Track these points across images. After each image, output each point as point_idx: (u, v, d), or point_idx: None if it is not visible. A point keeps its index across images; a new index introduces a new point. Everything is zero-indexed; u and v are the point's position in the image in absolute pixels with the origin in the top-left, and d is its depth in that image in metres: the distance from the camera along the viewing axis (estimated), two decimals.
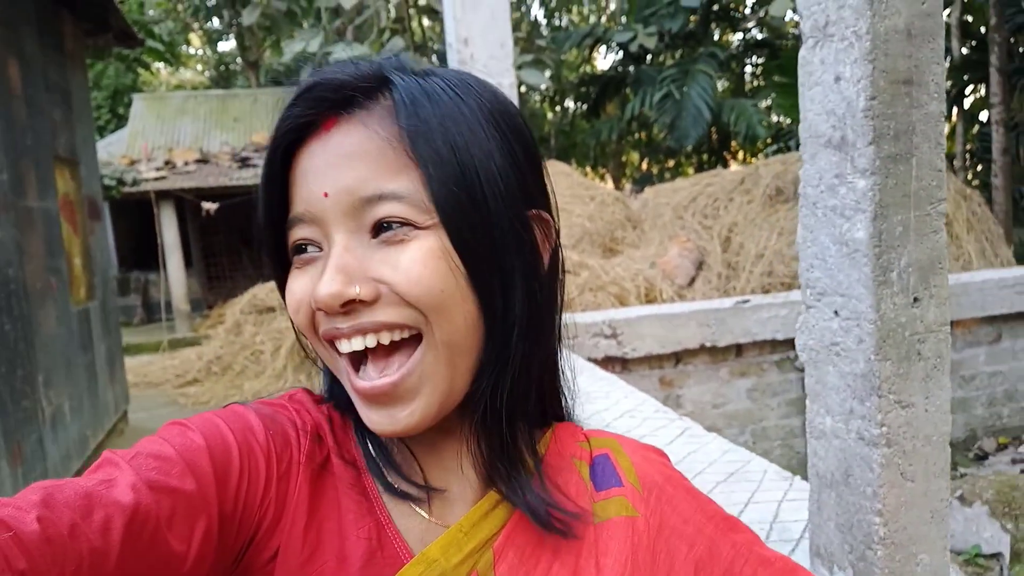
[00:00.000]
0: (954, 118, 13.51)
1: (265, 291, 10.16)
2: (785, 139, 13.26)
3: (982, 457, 4.55)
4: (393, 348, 0.59)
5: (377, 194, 0.57)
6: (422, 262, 0.57)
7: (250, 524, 0.58)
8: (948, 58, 12.84)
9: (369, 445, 0.64)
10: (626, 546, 0.64)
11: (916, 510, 1.18)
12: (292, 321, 0.64)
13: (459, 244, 0.58)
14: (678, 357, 4.55)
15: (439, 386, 0.59)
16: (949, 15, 11.92)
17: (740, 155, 16.99)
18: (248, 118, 16.27)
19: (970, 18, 12.68)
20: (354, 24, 13.23)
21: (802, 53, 1.24)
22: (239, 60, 22.87)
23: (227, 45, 24.37)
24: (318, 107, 0.59)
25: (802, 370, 1.35)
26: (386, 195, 0.57)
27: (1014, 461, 4.16)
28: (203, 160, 14.64)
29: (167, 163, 14.30)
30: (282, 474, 0.60)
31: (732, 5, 16.46)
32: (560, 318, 0.68)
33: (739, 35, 17.19)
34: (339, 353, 0.60)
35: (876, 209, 1.13)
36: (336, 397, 0.67)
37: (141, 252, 15.86)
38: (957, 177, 11.20)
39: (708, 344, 4.50)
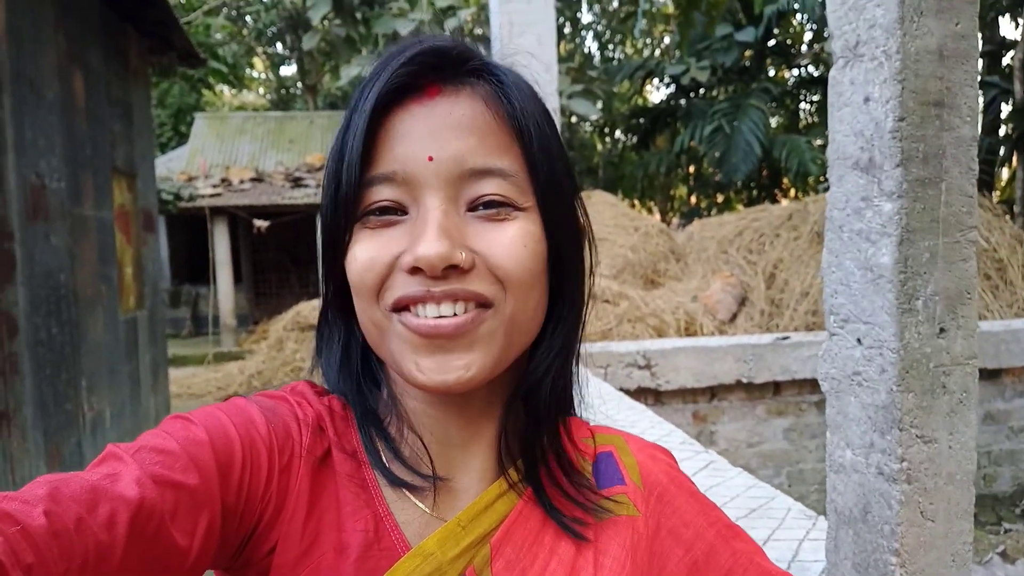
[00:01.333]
0: (1015, 162, 13.17)
1: (309, 308, 10.31)
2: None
3: None
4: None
5: (485, 168, 0.58)
6: (522, 242, 0.58)
7: (252, 517, 0.58)
8: (1011, 101, 12.55)
9: (372, 435, 0.64)
10: (626, 546, 0.63)
11: (936, 552, 1.12)
12: (337, 291, 0.63)
13: (550, 230, 0.60)
14: (713, 392, 4.45)
15: (494, 352, 0.59)
16: (1012, 57, 11.68)
17: (791, 192, 16.77)
18: (303, 140, 16.65)
19: None
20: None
21: (832, 73, 1.21)
22: (299, 84, 23.48)
23: (289, 70, 25.05)
24: (427, 72, 0.59)
25: None
26: (493, 170, 0.58)
27: None
28: (258, 179, 15.00)
29: (223, 180, 14.69)
30: (284, 467, 0.60)
31: (788, 41, 16.35)
32: (585, 315, 0.69)
33: (794, 71, 17.05)
34: (408, 315, 0.58)
35: (902, 234, 1.09)
36: (338, 389, 0.67)
37: (193, 267, 16.26)
38: (1015, 223, 10.88)
39: (745, 380, 4.40)
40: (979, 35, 1.12)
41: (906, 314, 1.09)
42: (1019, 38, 11.36)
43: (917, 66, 1.07)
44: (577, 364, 0.69)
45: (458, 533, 0.61)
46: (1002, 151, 13.16)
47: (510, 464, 0.64)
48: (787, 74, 17.35)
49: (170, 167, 15.12)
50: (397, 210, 0.59)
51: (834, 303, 1.23)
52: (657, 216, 18.67)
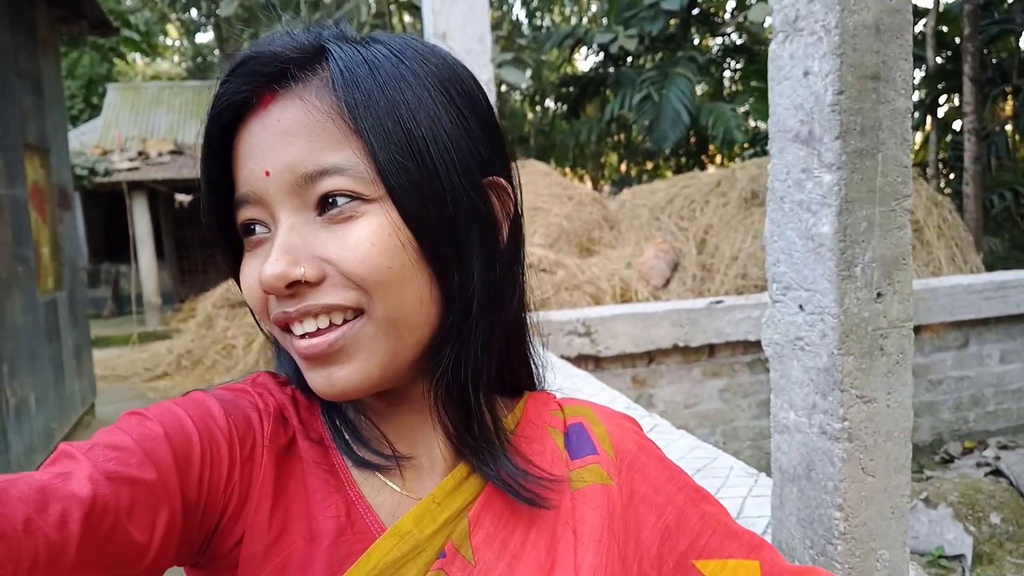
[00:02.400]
0: (928, 127, 13.70)
1: None
2: (762, 143, 13.36)
3: (948, 460, 4.61)
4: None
5: (318, 169, 0.56)
6: (369, 240, 0.55)
7: (215, 511, 0.58)
8: (924, 67, 13.01)
9: (335, 420, 0.64)
10: (602, 514, 0.64)
11: (877, 505, 1.18)
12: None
13: (409, 216, 0.56)
14: (651, 356, 4.55)
15: (378, 355, 0.58)
16: (924, 24, 12.09)
17: (718, 159, 17.09)
18: None
19: (945, 28, 12.85)
20: (334, 19, 13.14)
21: (772, 47, 1.24)
22: (216, 52, 22.64)
23: (205, 36, 24.10)
24: (253, 82, 0.57)
25: None
26: (328, 169, 0.56)
27: (978, 465, 4.22)
28: (178, 151, 14.47)
29: (140, 154, 14.13)
30: (245, 458, 0.59)
31: (712, 9, 16.55)
32: (524, 288, 0.67)
33: (719, 39, 17.29)
34: (290, 335, 0.59)
35: (842, 204, 1.13)
36: (299, 380, 0.65)
37: (112, 244, 15.65)
38: (929, 185, 11.36)
39: (681, 344, 4.51)
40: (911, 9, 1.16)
41: (846, 281, 1.14)
42: (931, 6, 11.75)
43: (855, 40, 1.11)
44: (518, 340, 0.69)
45: (434, 509, 0.61)
46: (915, 116, 13.69)
47: (465, 446, 0.63)
48: (711, 42, 17.58)
49: (83, 140, 14.44)
50: (267, 226, 0.59)
51: (776, 271, 1.28)
52: (589, 184, 18.80)
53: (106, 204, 15.03)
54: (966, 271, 6.55)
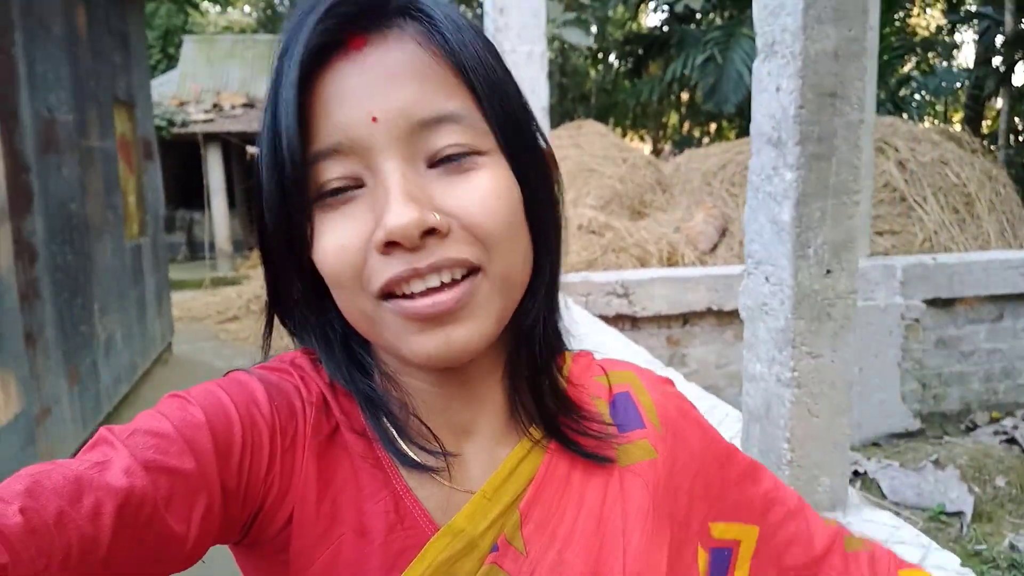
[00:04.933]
0: (1000, 96, 13.29)
1: None
2: None
3: (971, 429, 4.78)
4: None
5: (436, 116, 0.53)
6: (495, 193, 0.54)
7: (255, 498, 0.57)
8: (1001, 31, 12.60)
9: (378, 416, 0.61)
10: (648, 489, 0.63)
11: (820, 441, 1.47)
12: (319, 282, 0.58)
13: (517, 168, 0.56)
14: (686, 318, 4.82)
15: (494, 314, 0.56)
16: None
17: None
18: None
19: None
20: None
21: (755, 64, 1.50)
22: (287, 1, 23.02)
23: None
24: (346, 24, 0.53)
25: None
26: (445, 116, 0.53)
27: (996, 433, 4.39)
28: (249, 104, 15.01)
29: (215, 106, 14.70)
30: (287, 448, 0.58)
31: None
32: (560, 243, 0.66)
33: None
34: (400, 298, 0.54)
35: (799, 197, 1.40)
36: (331, 371, 0.62)
37: (187, 192, 16.34)
38: (996, 156, 11.12)
39: (715, 308, 4.76)
40: (869, 35, 1.41)
41: (800, 259, 1.42)
42: None
43: (816, 64, 1.36)
44: (556, 295, 0.66)
45: (485, 505, 0.60)
46: (989, 83, 13.27)
47: (528, 422, 0.63)
48: None
49: (161, 92, 15.05)
50: (353, 186, 0.54)
51: (751, 248, 1.55)
52: (650, 145, 18.77)
53: (182, 153, 15.69)
54: (1015, 246, 6.57)
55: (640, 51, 17.07)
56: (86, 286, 5.28)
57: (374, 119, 0.52)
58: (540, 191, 0.59)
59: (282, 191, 0.54)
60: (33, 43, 4.48)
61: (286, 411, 0.59)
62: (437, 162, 0.54)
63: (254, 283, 10.65)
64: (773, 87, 1.43)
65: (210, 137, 13.95)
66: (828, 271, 1.43)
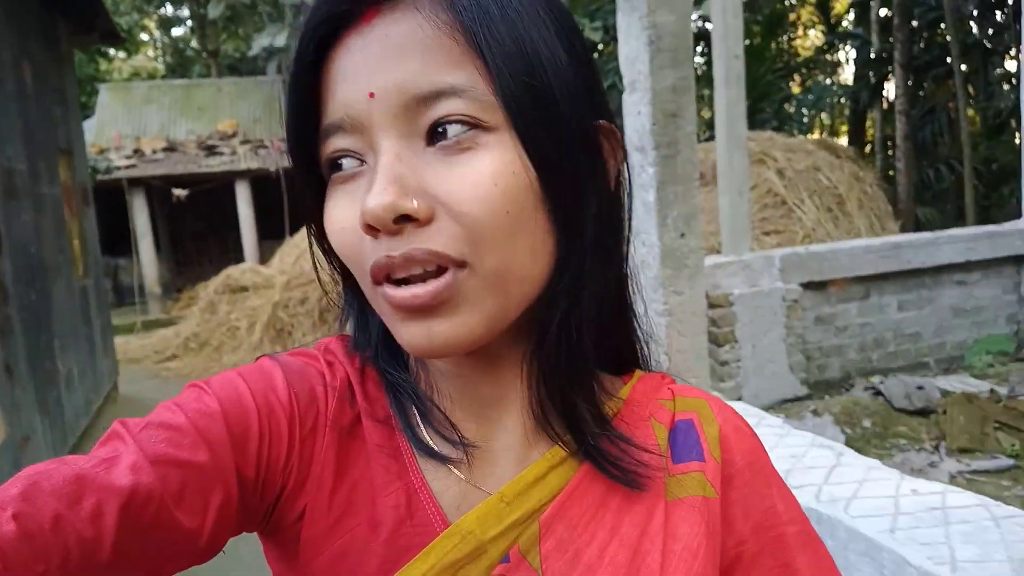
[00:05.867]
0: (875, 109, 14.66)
1: (238, 271, 10.69)
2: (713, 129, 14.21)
3: (849, 390, 5.61)
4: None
5: (434, 90, 0.49)
6: (492, 177, 0.49)
7: (274, 487, 0.56)
8: (871, 52, 13.96)
9: (401, 399, 0.59)
10: (699, 530, 0.57)
11: (685, 354, 2.13)
12: (328, 263, 0.60)
13: (532, 149, 0.50)
14: None
15: (483, 309, 0.51)
16: (870, 12, 13.03)
17: None
18: (212, 108, 16.73)
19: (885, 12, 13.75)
20: None
21: (624, 96, 2.18)
22: (192, 44, 23.11)
23: (179, 30, 24.46)
24: None
25: None
26: (444, 90, 0.49)
27: (866, 389, 5.20)
28: (171, 148, 15.19)
29: (136, 151, 14.83)
30: (305, 435, 0.57)
31: None
32: (628, 247, 0.61)
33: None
34: (387, 286, 0.51)
35: (658, 185, 2.07)
36: (363, 349, 0.62)
37: (110, 238, 16.28)
38: (876, 160, 12.29)
39: None
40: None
41: (662, 227, 2.09)
42: None
43: (662, 96, 2.04)
44: (621, 307, 0.62)
45: (501, 509, 0.56)
46: (863, 97, 14.62)
47: (563, 430, 0.57)
48: None
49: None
50: (358, 159, 0.52)
51: (634, 224, 2.23)
52: None
53: (102, 200, 15.66)
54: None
55: None
56: (48, 324, 5.60)
57: (371, 95, 0.50)
58: (568, 176, 0.52)
59: (294, 164, 0.56)
60: None
61: (306, 397, 0.58)
62: (436, 140, 0.50)
63: (191, 322, 10.81)
64: (636, 111, 2.11)
65: (134, 182, 14.08)
66: (682, 235, 2.11)
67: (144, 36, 25.62)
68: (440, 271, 0.50)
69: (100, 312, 7.94)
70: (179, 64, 24.95)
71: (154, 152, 14.91)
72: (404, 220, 0.49)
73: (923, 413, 4.55)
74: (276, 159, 14.47)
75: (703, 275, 2.12)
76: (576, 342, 0.55)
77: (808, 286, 5.63)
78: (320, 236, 0.58)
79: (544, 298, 0.54)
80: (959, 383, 5.09)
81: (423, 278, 0.50)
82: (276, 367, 0.59)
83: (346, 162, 0.53)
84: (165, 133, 15.97)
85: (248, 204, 14.71)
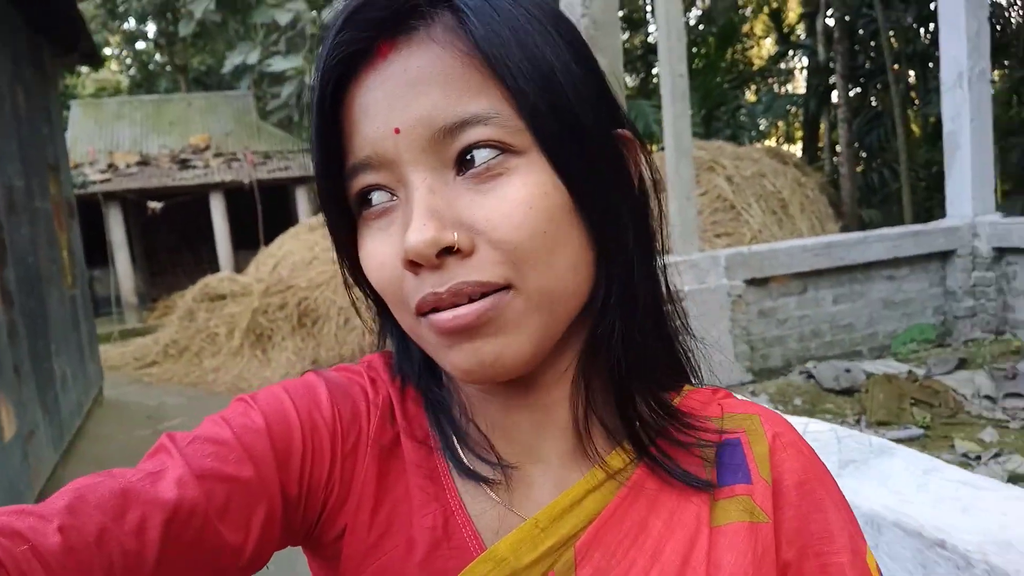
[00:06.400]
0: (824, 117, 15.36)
1: (216, 280, 10.82)
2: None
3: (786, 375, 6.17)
4: None
5: (459, 120, 0.49)
6: (526, 202, 0.49)
7: (316, 504, 0.56)
8: (816, 62, 14.64)
9: (441, 420, 0.59)
10: (746, 559, 0.54)
11: None
12: (366, 296, 0.60)
13: (562, 168, 0.50)
14: None
15: (530, 331, 0.51)
16: (817, 21, 13.70)
17: None
18: (183, 122, 16.95)
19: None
20: (286, 36, 14.17)
21: None
22: (157, 58, 23.15)
23: (141, 44, 24.32)
24: (370, 31, 0.51)
25: None
26: (469, 119, 0.49)
27: (800, 372, 5.77)
28: (144, 162, 15.43)
29: (110, 166, 15.04)
30: (347, 453, 0.57)
31: (634, 10, 17.97)
32: (660, 255, 0.59)
33: (642, 38, 18.72)
34: (432, 314, 0.51)
35: None
36: (405, 372, 0.62)
37: (86, 250, 16.42)
38: (825, 165, 12.94)
39: None
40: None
41: None
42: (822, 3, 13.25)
43: None
44: (658, 317, 0.59)
45: (536, 535, 0.55)
46: (811, 104, 15.30)
47: (604, 449, 0.57)
48: (636, 40, 19.01)
49: None
50: (389, 193, 0.52)
51: None
52: None
53: (79, 213, 15.84)
54: None
55: None
56: (45, 330, 5.96)
57: (396, 131, 0.50)
58: (599, 189, 0.52)
59: (326, 204, 0.55)
60: None
61: (349, 414, 0.58)
62: (466, 169, 0.50)
63: (170, 329, 10.99)
64: None
65: (109, 196, 14.31)
66: None
67: (107, 50, 25.56)
68: (485, 293, 0.50)
69: (86, 319, 8.27)
70: (144, 78, 24.93)
71: (128, 167, 15.14)
72: (445, 253, 0.49)
73: (848, 392, 5.13)
74: (249, 171, 14.80)
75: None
76: (638, 347, 0.55)
77: (751, 282, 6.21)
78: (353, 269, 0.59)
79: (590, 312, 0.55)
80: (883, 366, 5.69)
81: (464, 302, 0.50)
82: (321, 383, 0.60)
83: (376, 196, 0.53)
84: (138, 148, 16.16)
85: (223, 216, 14.99)
